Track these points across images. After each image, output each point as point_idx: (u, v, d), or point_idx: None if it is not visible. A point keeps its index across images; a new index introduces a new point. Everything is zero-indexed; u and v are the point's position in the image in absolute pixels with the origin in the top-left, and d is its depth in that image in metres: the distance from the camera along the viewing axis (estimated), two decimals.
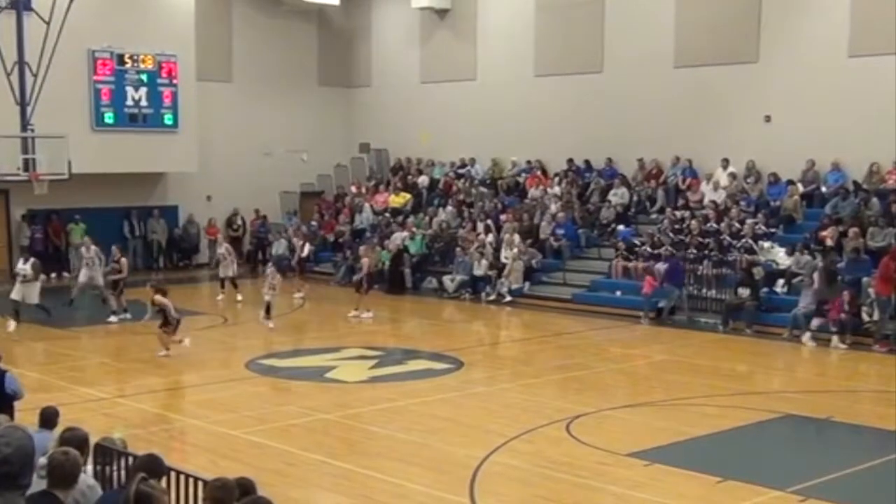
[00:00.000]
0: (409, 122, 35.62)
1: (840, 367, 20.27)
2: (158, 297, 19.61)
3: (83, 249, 24.82)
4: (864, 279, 22.07)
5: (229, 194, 34.44)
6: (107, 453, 8.89)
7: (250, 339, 22.22)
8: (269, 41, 35.68)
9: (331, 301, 27.45)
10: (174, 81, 31.90)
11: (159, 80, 31.66)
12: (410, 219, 31.83)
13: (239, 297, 26.74)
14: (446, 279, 28.77)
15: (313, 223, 33.94)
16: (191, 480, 8.64)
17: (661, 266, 25.18)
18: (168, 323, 19.53)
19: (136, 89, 31.32)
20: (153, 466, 7.06)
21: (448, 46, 34.95)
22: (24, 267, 22.85)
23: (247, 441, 14.11)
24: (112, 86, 30.88)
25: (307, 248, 30.35)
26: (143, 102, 31.46)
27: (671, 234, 26.47)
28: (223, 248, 27.87)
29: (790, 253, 23.92)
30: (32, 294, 22.67)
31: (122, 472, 8.36)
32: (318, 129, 36.79)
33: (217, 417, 15.48)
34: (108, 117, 30.88)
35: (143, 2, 31.58)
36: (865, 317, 21.71)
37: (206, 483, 7.35)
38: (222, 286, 27.46)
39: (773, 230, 25.50)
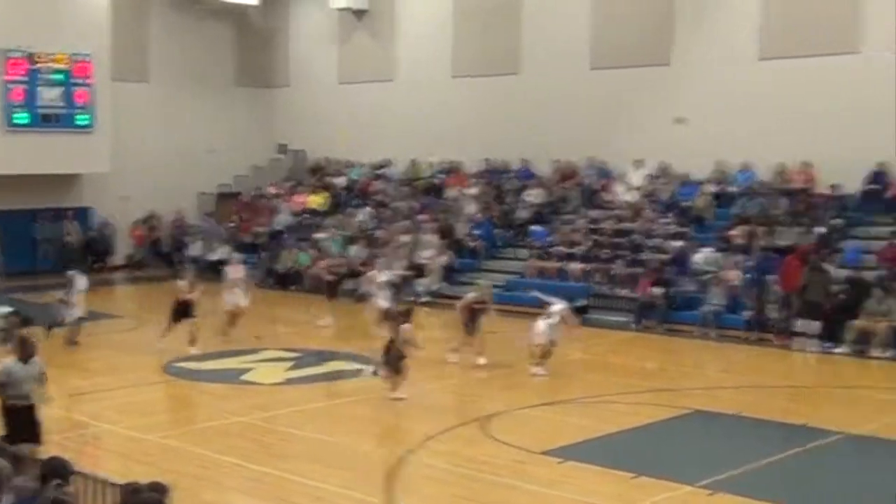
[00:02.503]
0: (327, 122, 35.61)
1: (747, 363, 20.76)
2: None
3: None
4: (771, 277, 22.64)
5: (145, 195, 34.07)
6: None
7: (166, 341, 22.02)
8: (187, 41, 35.41)
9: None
10: (89, 81, 31.46)
11: (73, 80, 31.20)
12: (328, 220, 31.83)
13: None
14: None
15: (231, 224, 33.79)
16: (101, 486, 8.63)
17: (576, 266, 25.56)
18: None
19: (50, 89, 30.85)
20: (60, 470, 7.06)
21: (366, 47, 35.01)
22: None
23: (161, 445, 14.08)
24: (25, 86, 30.37)
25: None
26: (57, 102, 31.01)
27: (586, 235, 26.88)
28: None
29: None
30: None
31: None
32: (236, 129, 36.58)
33: (132, 422, 15.38)
34: (21, 118, 30.36)
35: (57, 1, 31.10)
36: (772, 314, 22.28)
37: (118, 487, 7.37)
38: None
39: (684, 229, 26.01)
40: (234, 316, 22.10)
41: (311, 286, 28.66)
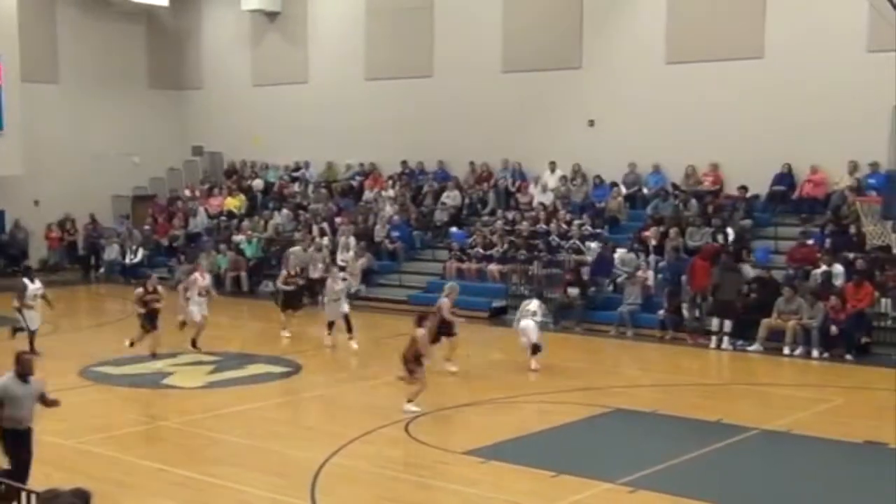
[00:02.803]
0: (241, 124, 35.46)
1: (663, 361, 21.19)
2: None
3: None
4: (683, 277, 23.13)
5: (59, 198, 33.59)
6: None
7: (84, 346, 21.82)
8: (97, 42, 35.00)
9: (166, 307, 27.05)
10: None
11: None
12: (245, 222, 31.71)
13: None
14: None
15: (146, 227, 33.47)
16: (23, 495, 8.56)
17: (494, 267, 25.82)
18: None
19: None
20: None
21: (279, 49, 34.93)
22: None
23: (81, 451, 13.95)
24: None
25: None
26: None
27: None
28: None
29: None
30: None
31: None
32: (150, 131, 36.24)
33: (50, 427, 15.09)
34: None
35: None
36: (685, 313, 22.77)
37: (38, 495, 7.29)
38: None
39: (598, 230, 26.43)
40: (200, 328, 21.19)
41: (231, 290, 28.59)
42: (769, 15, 25.59)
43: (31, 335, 20.29)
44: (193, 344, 20.96)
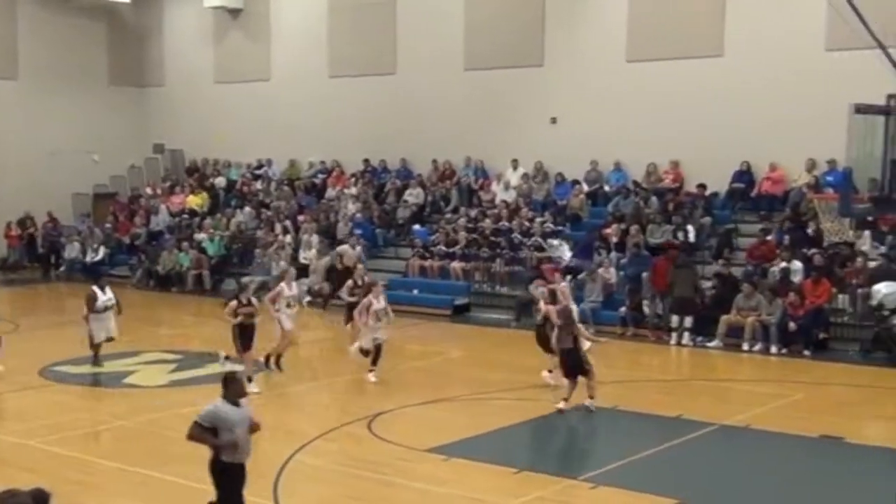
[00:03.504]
0: (204, 122, 35.32)
1: (624, 357, 21.32)
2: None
3: None
4: (644, 274, 23.30)
5: (19, 196, 33.30)
6: None
7: (44, 345, 21.65)
8: (57, 39, 34.75)
9: (128, 304, 26.93)
10: None
11: None
12: (208, 220, 31.60)
13: None
14: (246, 280, 28.68)
15: (107, 225, 33.28)
16: None
17: (456, 265, 25.88)
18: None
19: None
20: None
21: (241, 46, 34.82)
22: None
23: (42, 451, 13.86)
24: None
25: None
26: None
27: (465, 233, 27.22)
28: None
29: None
30: None
31: None
32: (110, 129, 36.00)
33: (10, 427, 15.12)
34: None
35: None
36: (647, 310, 22.94)
37: None
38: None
39: (560, 228, 26.57)
40: (287, 344, 19.07)
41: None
42: (729, 14, 25.80)
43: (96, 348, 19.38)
44: (277, 362, 18.75)
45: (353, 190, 30.91)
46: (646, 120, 26.66)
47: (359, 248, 26.91)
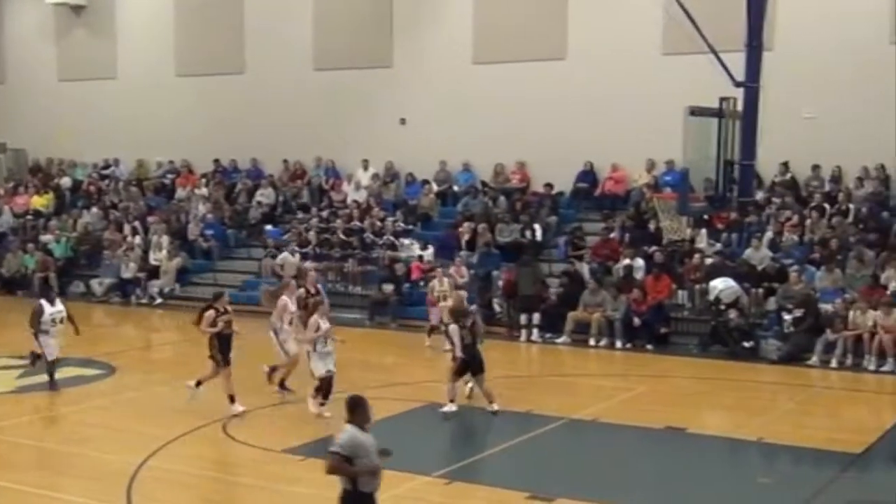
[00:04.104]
0: (48, 121, 34.46)
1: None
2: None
3: None
4: (495, 272, 23.80)
5: None
6: None
7: None
8: None
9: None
10: None
11: None
12: (53, 221, 30.91)
13: None
14: (94, 283, 28.32)
15: None
16: None
17: (309, 265, 25.93)
18: None
19: None
20: None
21: (86, 44, 34.13)
22: None
23: None
24: None
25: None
26: None
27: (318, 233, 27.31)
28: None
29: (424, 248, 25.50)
30: None
31: None
32: None
33: None
34: None
35: None
36: (497, 307, 23.44)
37: None
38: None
39: (411, 227, 26.91)
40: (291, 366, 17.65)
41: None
42: (571, 18, 26.58)
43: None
44: (282, 384, 17.54)
45: (204, 190, 30.65)
46: (493, 121, 27.17)
47: (298, 255, 26.13)
